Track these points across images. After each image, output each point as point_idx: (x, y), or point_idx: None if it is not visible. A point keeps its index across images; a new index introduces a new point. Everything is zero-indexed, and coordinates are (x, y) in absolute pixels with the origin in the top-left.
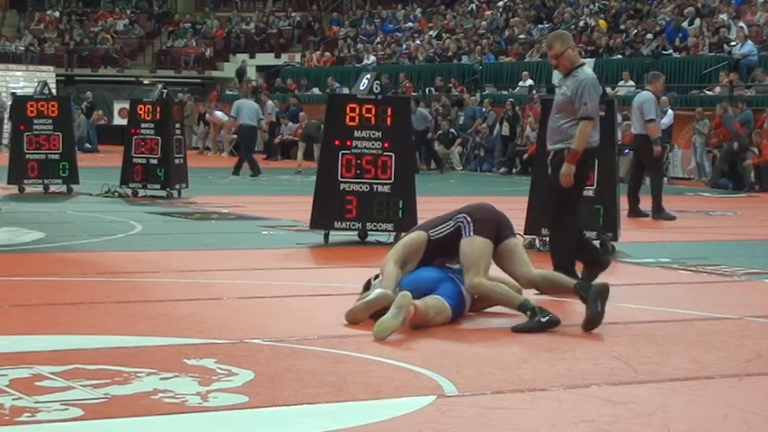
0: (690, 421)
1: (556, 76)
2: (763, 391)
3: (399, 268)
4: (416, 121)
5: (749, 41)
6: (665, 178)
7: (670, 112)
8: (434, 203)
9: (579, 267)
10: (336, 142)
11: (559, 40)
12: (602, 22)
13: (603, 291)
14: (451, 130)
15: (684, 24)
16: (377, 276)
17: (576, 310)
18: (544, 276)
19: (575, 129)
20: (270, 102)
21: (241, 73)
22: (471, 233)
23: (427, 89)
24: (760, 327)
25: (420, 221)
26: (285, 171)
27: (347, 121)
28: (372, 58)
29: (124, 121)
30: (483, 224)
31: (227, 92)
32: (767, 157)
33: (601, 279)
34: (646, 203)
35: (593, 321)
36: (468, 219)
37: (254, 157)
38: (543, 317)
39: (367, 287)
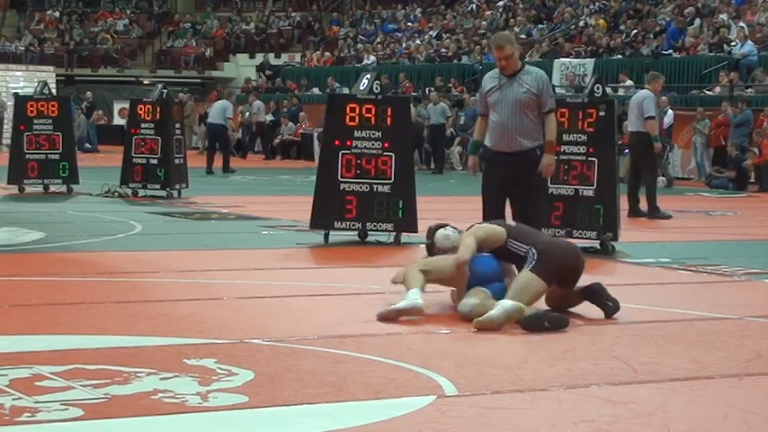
0: (690, 421)
1: (488, 80)
2: (763, 391)
3: (475, 245)
4: (436, 114)
5: (749, 41)
6: (664, 179)
7: (670, 111)
8: (434, 203)
9: None
10: (336, 142)
11: (510, 43)
12: (601, 21)
13: (601, 289)
14: (451, 129)
15: (679, 24)
16: (444, 226)
17: (575, 312)
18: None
19: (539, 125)
20: (257, 102)
21: (263, 69)
22: (530, 267)
23: (427, 89)
24: (760, 327)
25: (420, 222)
26: (285, 171)
27: (347, 121)
28: (372, 58)
29: (124, 121)
30: (543, 267)
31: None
32: (767, 157)
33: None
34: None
35: (613, 312)
36: (535, 255)
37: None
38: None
39: (434, 231)
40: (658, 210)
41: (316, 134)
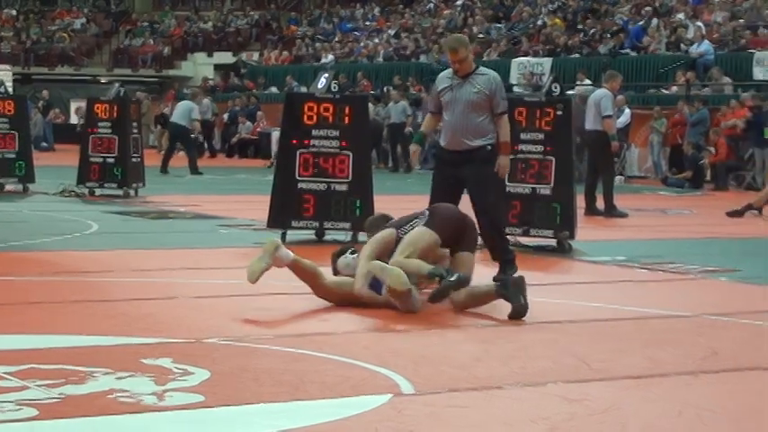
0: (645, 419)
1: (442, 80)
2: (717, 388)
3: (373, 265)
4: (396, 113)
5: (706, 41)
6: (622, 177)
7: (627, 110)
8: (392, 202)
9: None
10: (294, 141)
11: (463, 45)
12: (558, 20)
13: (520, 283)
14: (409, 128)
15: (641, 23)
16: (354, 251)
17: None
18: (469, 293)
19: (491, 124)
20: (206, 100)
21: (237, 68)
22: (423, 224)
23: (385, 88)
24: (715, 324)
25: None
26: (242, 170)
27: (305, 119)
28: (330, 56)
29: (81, 120)
30: (437, 219)
31: (185, 90)
32: (723, 156)
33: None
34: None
35: (518, 313)
36: (426, 212)
37: (175, 155)
38: (451, 276)
39: (339, 255)
40: (615, 208)
41: (274, 133)
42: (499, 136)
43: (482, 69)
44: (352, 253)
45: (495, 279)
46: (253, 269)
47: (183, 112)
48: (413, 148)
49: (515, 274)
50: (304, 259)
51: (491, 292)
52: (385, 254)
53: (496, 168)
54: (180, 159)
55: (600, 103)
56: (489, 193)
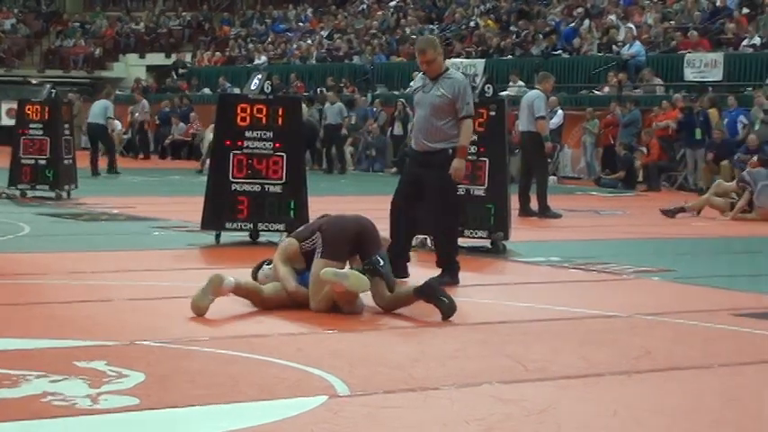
0: (580, 419)
1: (417, 80)
2: (652, 387)
3: (289, 266)
4: (333, 114)
5: (637, 42)
6: (555, 178)
7: (560, 111)
8: (326, 203)
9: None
10: (227, 142)
11: (432, 47)
12: (490, 22)
13: (435, 285)
14: (344, 129)
15: (573, 25)
16: (269, 262)
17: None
18: (393, 295)
19: (455, 128)
20: (144, 101)
21: (177, 67)
22: (319, 255)
23: (318, 89)
24: (649, 324)
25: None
26: (176, 171)
27: (238, 121)
28: (263, 57)
29: (12, 122)
30: (329, 247)
31: (118, 92)
32: (655, 157)
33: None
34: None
35: (449, 311)
36: (319, 238)
37: (101, 155)
38: (379, 263)
39: (257, 271)
40: (549, 209)
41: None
42: (459, 139)
43: (450, 73)
44: (268, 264)
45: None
46: (198, 306)
47: (99, 110)
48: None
49: (427, 280)
50: (243, 280)
51: (410, 293)
52: (294, 260)
53: (451, 171)
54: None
55: (533, 104)
56: (442, 197)
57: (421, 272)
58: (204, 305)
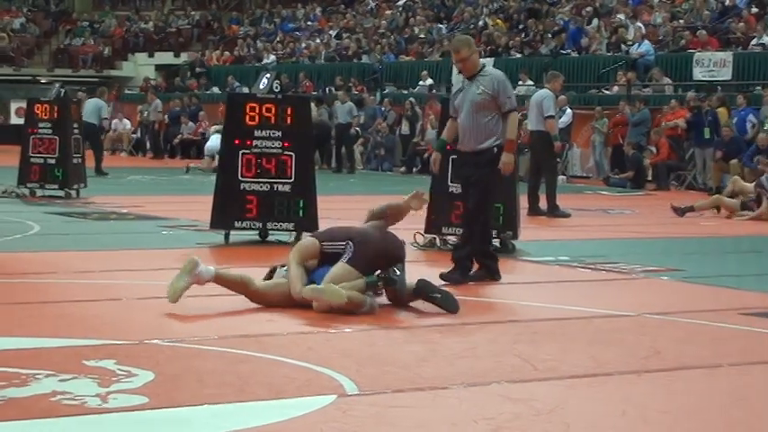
0: (589, 418)
1: (456, 79)
2: (660, 387)
3: (302, 267)
4: (343, 113)
5: (646, 41)
6: (564, 177)
7: (569, 111)
8: (335, 203)
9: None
10: (236, 142)
11: (466, 46)
12: (499, 21)
13: (427, 283)
14: (356, 128)
15: (577, 24)
16: (283, 265)
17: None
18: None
19: (499, 124)
20: (157, 101)
21: (194, 67)
22: (345, 260)
23: (327, 88)
24: (657, 324)
25: (320, 221)
26: (185, 170)
27: (247, 120)
28: (272, 57)
29: (21, 121)
30: (359, 257)
31: (127, 91)
32: (664, 156)
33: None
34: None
35: (446, 304)
36: (352, 247)
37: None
38: (394, 275)
39: (271, 274)
40: (558, 208)
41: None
42: (504, 134)
43: (486, 70)
44: (282, 267)
45: (440, 276)
46: (173, 288)
47: (92, 110)
48: (434, 156)
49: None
50: (228, 271)
51: (410, 290)
52: (310, 259)
53: (500, 166)
54: (123, 160)
55: (542, 103)
56: (480, 195)
57: (434, 272)
58: (179, 288)
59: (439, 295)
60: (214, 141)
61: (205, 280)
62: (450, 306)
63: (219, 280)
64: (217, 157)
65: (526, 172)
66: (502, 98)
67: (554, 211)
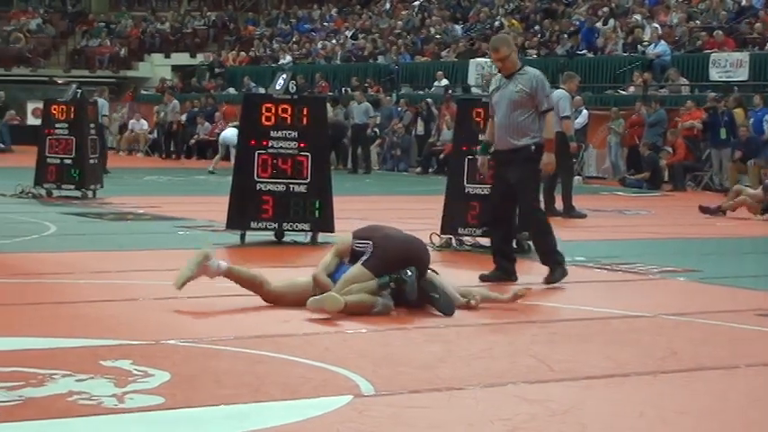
0: (605, 419)
1: (493, 82)
2: (677, 388)
3: (336, 259)
4: (359, 114)
5: (662, 41)
6: (580, 178)
7: (585, 111)
8: (351, 203)
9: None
10: (252, 142)
11: (505, 45)
12: (515, 22)
13: (424, 284)
14: (375, 129)
15: (598, 24)
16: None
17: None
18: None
19: (536, 123)
20: (175, 101)
21: (213, 67)
22: (361, 262)
23: (343, 89)
24: (674, 324)
25: (336, 222)
26: (201, 171)
27: (263, 120)
28: (288, 57)
29: (38, 121)
30: (377, 258)
31: (143, 91)
32: (681, 157)
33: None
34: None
35: (444, 307)
36: (371, 248)
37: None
38: (405, 275)
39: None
40: (573, 209)
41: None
42: (544, 133)
43: (526, 68)
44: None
45: (544, 281)
46: (180, 276)
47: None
48: (479, 159)
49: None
50: (242, 268)
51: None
52: (343, 255)
53: (541, 166)
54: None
55: (557, 104)
56: (528, 194)
57: (449, 272)
58: (185, 276)
59: (437, 296)
60: (229, 131)
61: (215, 273)
62: (445, 309)
63: (231, 275)
64: (232, 151)
65: (485, 174)
66: (540, 97)
67: (570, 212)
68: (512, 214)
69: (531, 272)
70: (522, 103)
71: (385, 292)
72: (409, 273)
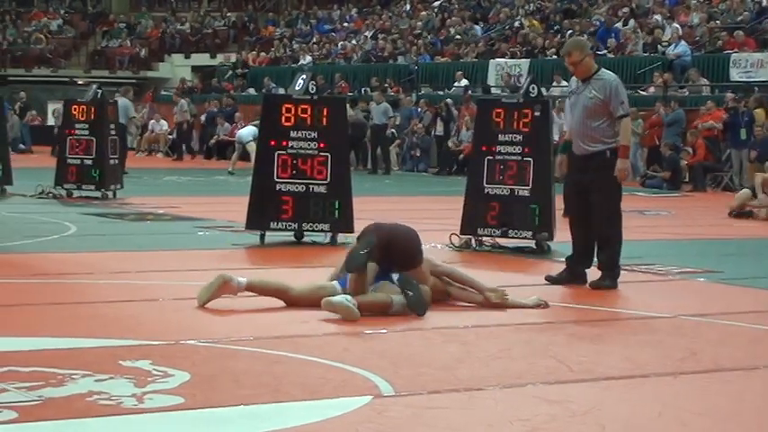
0: (625, 420)
1: (571, 85)
2: (697, 388)
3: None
4: (378, 114)
5: (683, 42)
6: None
7: None
8: (370, 204)
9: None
10: (272, 142)
11: (578, 49)
12: (535, 22)
13: (408, 277)
14: (393, 130)
15: (618, 25)
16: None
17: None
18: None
19: (611, 128)
20: (183, 101)
21: (236, 67)
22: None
23: (363, 89)
24: (694, 325)
25: (356, 222)
26: (221, 171)
27: (283, 121)
28: (308, 58)
29: (58, 122)
30: (374, 249)
31: (163, 92)
32: (701, 157)
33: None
34: None
35: (414, 305)
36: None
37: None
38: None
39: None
40: None
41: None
42: (619, 139)
43: (601, 73)
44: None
45: (590, 284)
46: (200, 297)
47: (122, 110)
48: (558, 158)
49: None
50: (262, 278)
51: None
52: None
53: (615, 172)
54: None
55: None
56: (605, 201)
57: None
58: (205, 297)
59: (410, 293)
60: (245, 129)
61: (237, 290)
62: (416, 308)
63: (254, 288)
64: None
65: (561, 173)
66: (614, 103)
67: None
68: (587, 215)
69: (549, 272)
70: (596, 110)
71: (407, 290)
72: (410, 293)
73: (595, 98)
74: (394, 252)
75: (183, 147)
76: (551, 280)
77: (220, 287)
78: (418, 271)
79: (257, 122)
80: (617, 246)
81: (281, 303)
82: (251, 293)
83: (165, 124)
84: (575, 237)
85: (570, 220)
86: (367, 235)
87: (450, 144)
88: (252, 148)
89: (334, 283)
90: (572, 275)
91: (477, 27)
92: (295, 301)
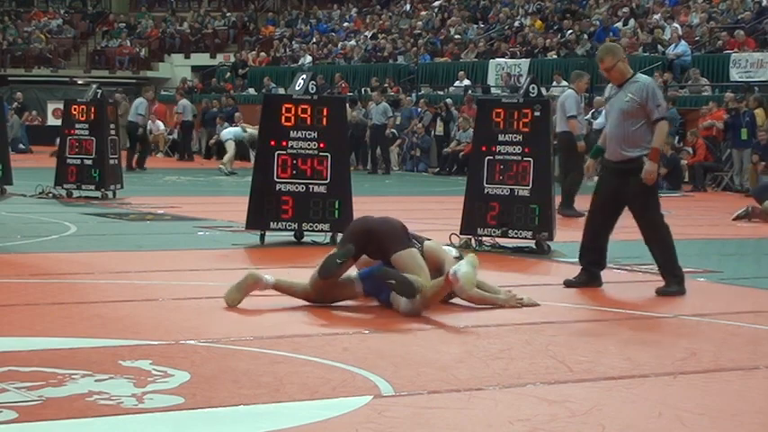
0: (625, 420)
1: (607, 90)
2: (697, 389)
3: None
4: (377, 114)
5: (683, 42)
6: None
7: (604, 112)
8: (370, 204)
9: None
10: (272, 142)
11: (610, 54)
12: (538, 22)
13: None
14: (393, 130)
15: (618, 24)
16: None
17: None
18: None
19: (649, 133)
20: (183, 101)
21: (237, 67)
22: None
23: (363, 89)
24: (694, 325)
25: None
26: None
27: (283, 121)
28: (308, 58)
29: (58, 122)
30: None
31: (163, 92)
32: (701, 157)
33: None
34: (584, 203)
35: (401, 289)
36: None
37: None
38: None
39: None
40: (572, 207)
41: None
42: (653, 142)
43: (637, 77)
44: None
45: (656, 292)
46: (229, 299)
47: (132, 108)
48: (588, 161)
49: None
50: (286, 279)
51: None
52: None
53: (642, 174)
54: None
55: (564, 104)
56: (647, 208)
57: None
58: (236, 299)
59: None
60: (231, 129)
61: (265, 287)
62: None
63: (280, 288)
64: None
65: (558, 173)
66: (650, 106)
67: (565, 210)
68: (610, 223)
69: (549, 272)
70: (633, 113)
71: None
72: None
73: (632, 100)
74: (376, 240)
75: (184, 147)
76: (569, 284)
77: (249, 286)
78: (408, 254)
79: (246, 126)
80: (670, 249)
81: (281, 303)
82: (276, 293)
83: (161, 125)
84: (587, 232)
85: (589, 217)
86: (345, 242)
87: (448, 150)
88: (230, 146)
89: (354, 274)
90: (589, 278)
91: (476, 27)
92: (311, 295)
